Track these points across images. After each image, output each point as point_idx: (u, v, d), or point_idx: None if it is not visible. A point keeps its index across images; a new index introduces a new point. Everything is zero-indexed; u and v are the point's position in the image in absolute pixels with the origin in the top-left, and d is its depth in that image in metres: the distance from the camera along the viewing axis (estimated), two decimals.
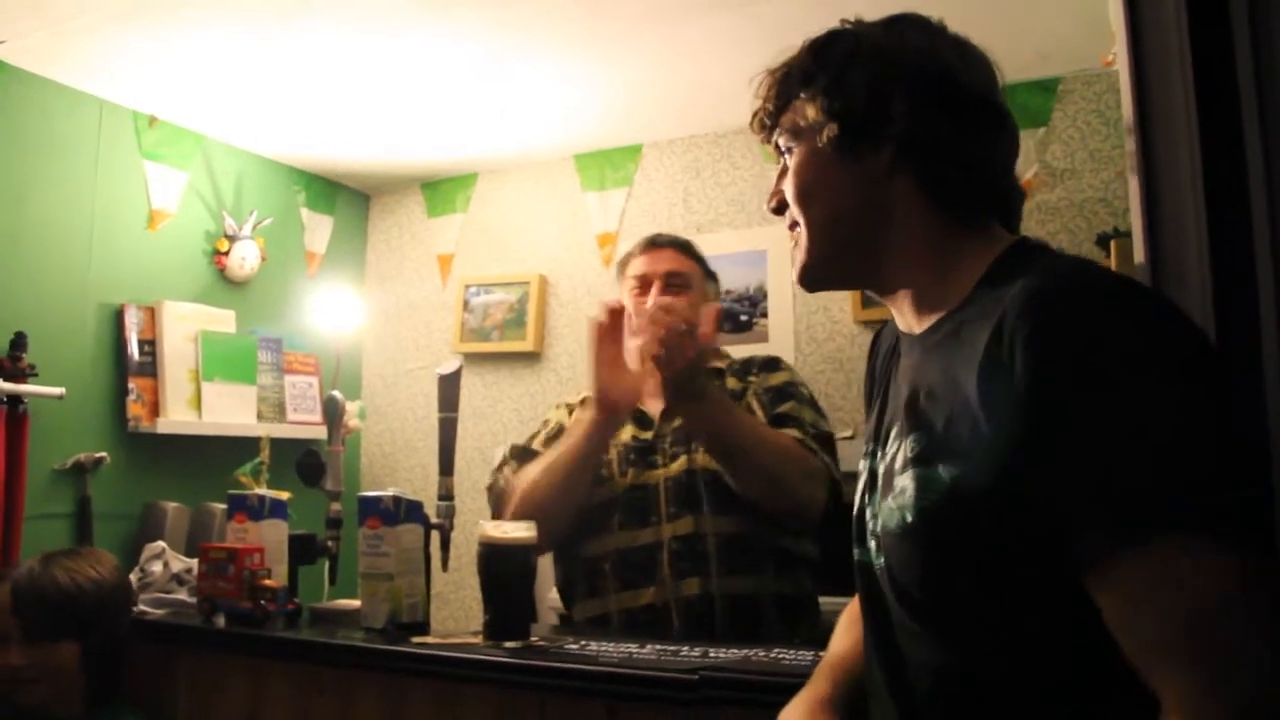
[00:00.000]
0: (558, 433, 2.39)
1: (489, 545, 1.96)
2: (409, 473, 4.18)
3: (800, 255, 1.21)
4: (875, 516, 1.13)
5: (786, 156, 1.23)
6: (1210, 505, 0.86)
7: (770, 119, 1.24)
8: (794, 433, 2.18)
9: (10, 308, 2.99)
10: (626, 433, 2.32)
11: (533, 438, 2.45)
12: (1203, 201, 1.05)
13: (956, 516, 0.99)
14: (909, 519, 1.03)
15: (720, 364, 2.40)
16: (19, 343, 2.89)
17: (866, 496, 1.17)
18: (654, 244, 2.46)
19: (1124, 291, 0.96)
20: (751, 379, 2.34)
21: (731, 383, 2.35)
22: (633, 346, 2.26)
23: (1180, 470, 0.86)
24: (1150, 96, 1.13)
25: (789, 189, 1.21)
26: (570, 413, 2.44)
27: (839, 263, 1.21)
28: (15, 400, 2.84)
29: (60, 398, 2.95)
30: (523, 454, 2.38)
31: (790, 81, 1.21)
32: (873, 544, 1.13)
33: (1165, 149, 1.11)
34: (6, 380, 2.82)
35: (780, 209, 1.24)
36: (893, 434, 1.13)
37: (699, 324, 2.08)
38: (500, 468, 2.40)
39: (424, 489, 3.75)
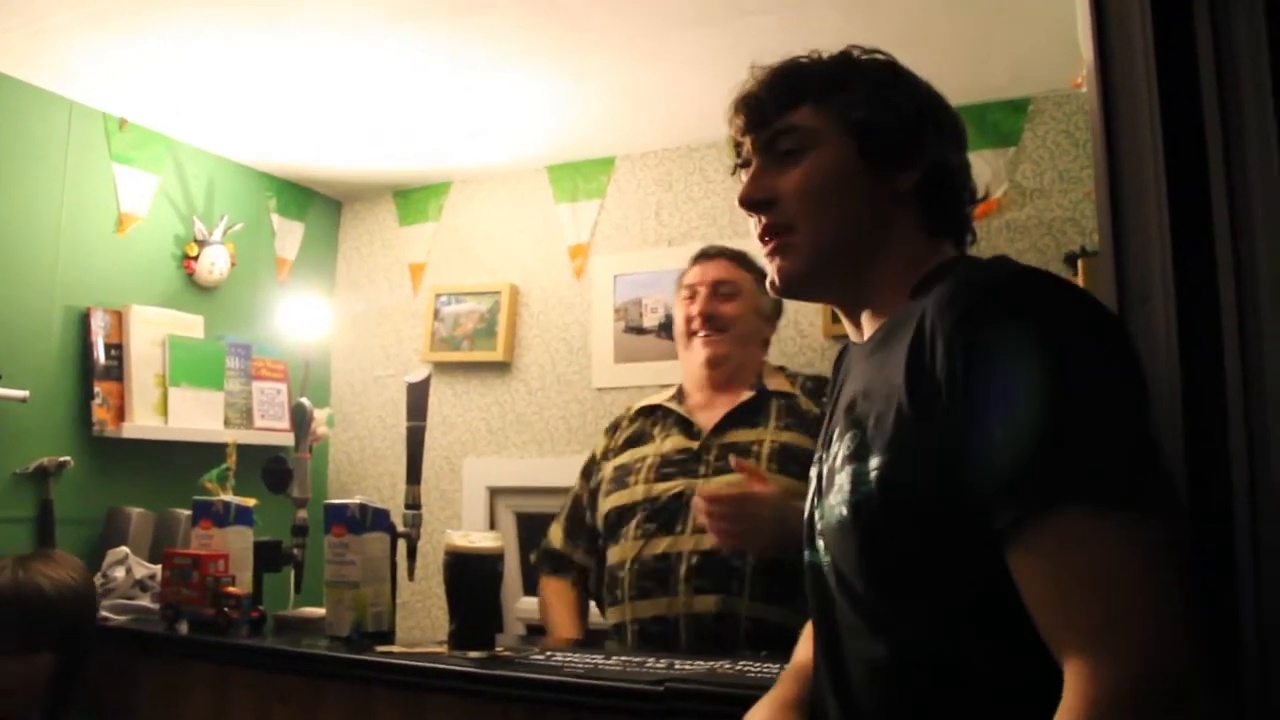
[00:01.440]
0: (574, 503, 2.50)
1: (455, 554, 1.97)
2: (376, 481, 4.16)
3: (790, 260, 1.22)
4: (823, 518, 1.16)
5: (788, 155, 1.22)
6: (1106, 478, 0.90)
7: (774, 113, 1.23)
8: None
9: None
10: (670, 442, 2.33)
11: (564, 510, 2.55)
12: (1167, 222, 1.07)
13: (887, 506, 1.03)
14: (845, 513, 1.07)
15: (788, 387, 2.39)
16: None
17: (815, 500, 1.21)
18: (705, 255, 2.51)
19: (1030, 280, 1.01)
20: (825, 401, 2.31)
21: (806, 404, 2.33)
22: (696, 352, 2.36)
23: (1078, 443, 0.90)
24: (1117, 118, 1.15)
25: (798, 187, 1.20)
26: (611, 435, 2.53)
27: (830, 271, 1.22)
28: None
29: (24, 400, 2.92)
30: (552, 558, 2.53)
31: (808, 82, 1.22)
32: (820, 543, 1.17)
33: (1131, 170, 1.13)
34: None
35: (764, 204, 1.23)
36: (834, 436, 1.17)
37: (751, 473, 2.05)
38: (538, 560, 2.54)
39: (392, 497, 3.74)
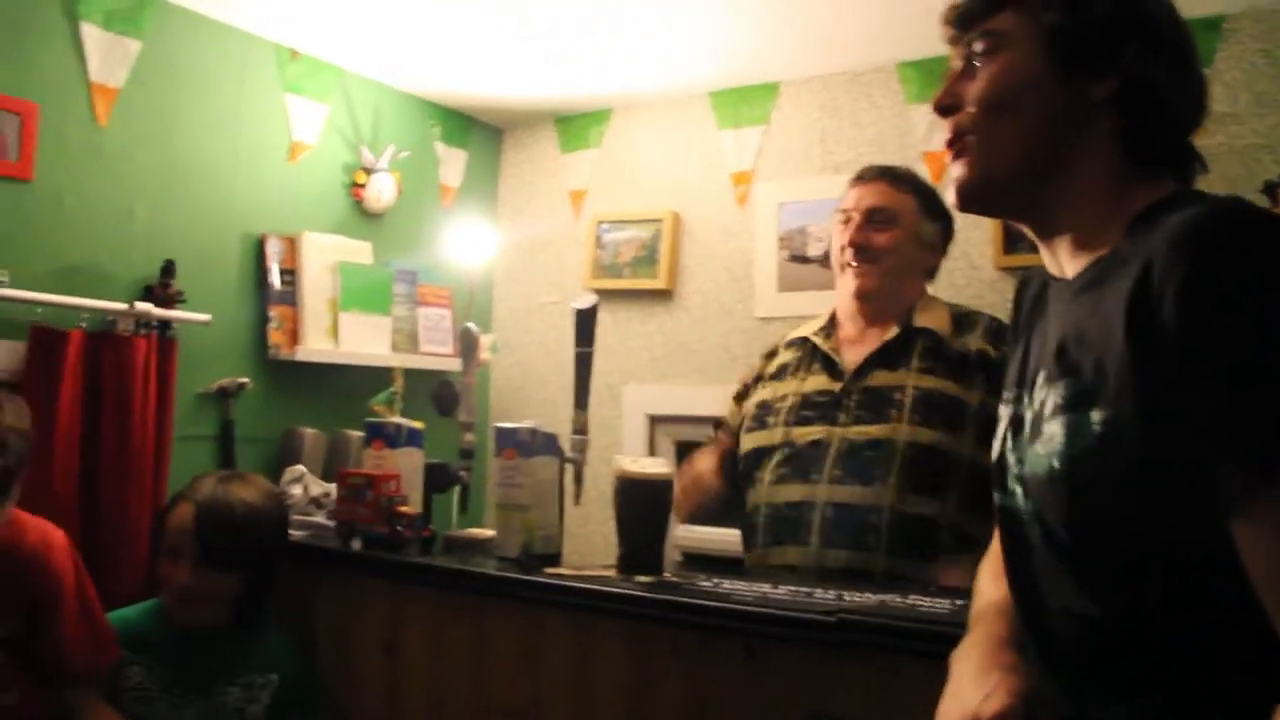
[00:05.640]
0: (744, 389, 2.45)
1: (627, 479, 1.97)
2: (539, 407, 4.19)
3: (965, 168, 1.17)
4: (1021, 461, 1.11)
5: (980, 60, 1.16)
6: None
7: (975, 19, 1.17)
8: None
9: (160, 237, 3.07)
10: (812, 381, 2.25)
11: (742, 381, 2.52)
12: None
13: (1106, 462, 0.97)
14: (1057, 465, 1.02)
15: (939, 324, 2.22)
16: (168, 270, 2.97)
17: (1010, 441, 1.15)
18: (861, 177, 2.35)
19: (1274, 229, 0.93)
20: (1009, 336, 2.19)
21: (952, 342, 2.18)
22: (846, 282, 2.27)
23: None
24: None
25: (978, 93, 1.15)
26: (767, 360, 2.45)
27: (1009, 184, 1.16)
28: (165, 325, 2.92)
29: (207, 324, 3.03)
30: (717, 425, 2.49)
31: None
32: (1018, 489, 1.12)
33: None
34: (157, 306, 2.90)
35: (949, 110, 1.18)
36: (1039, 381, 1.11)
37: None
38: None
39: (553, 424, 3.74)
